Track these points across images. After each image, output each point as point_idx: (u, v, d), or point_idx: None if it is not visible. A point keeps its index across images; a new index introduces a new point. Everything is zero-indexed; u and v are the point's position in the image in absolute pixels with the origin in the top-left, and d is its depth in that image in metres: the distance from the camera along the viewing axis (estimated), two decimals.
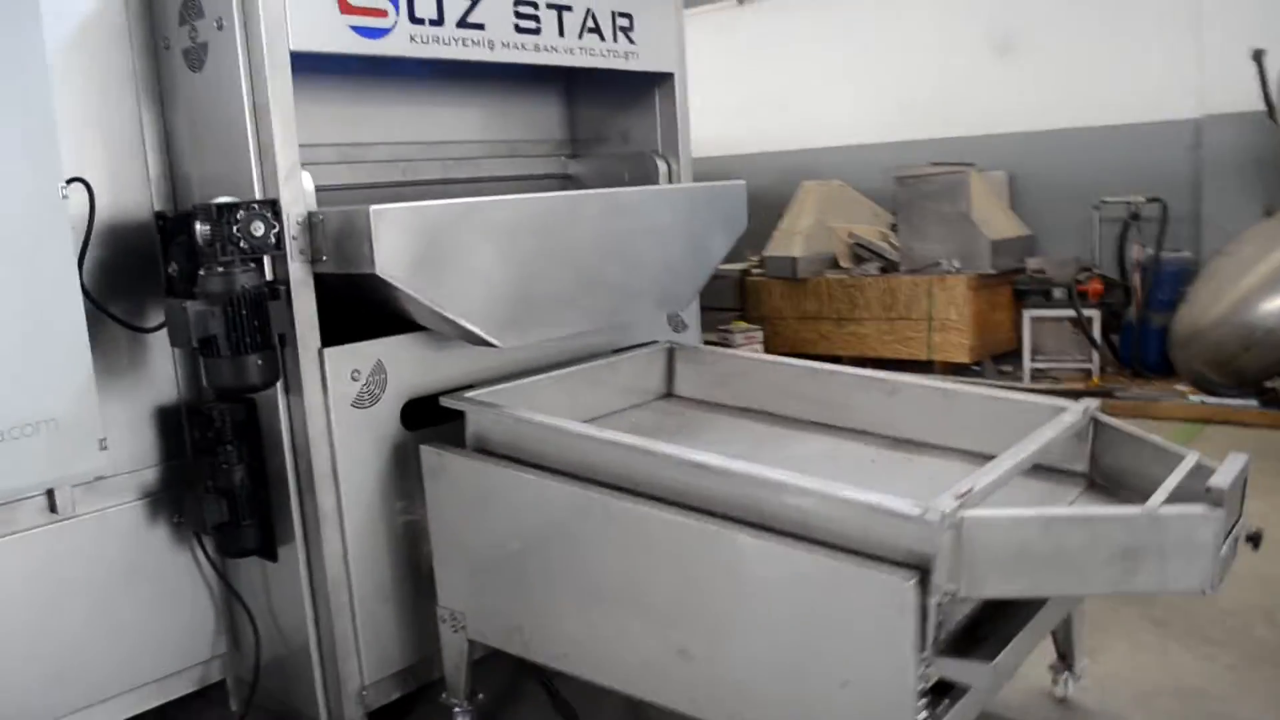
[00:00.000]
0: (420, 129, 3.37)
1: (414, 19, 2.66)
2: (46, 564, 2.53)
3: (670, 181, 3.54)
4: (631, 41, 3.30)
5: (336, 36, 2.51)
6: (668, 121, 3.55)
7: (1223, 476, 1.92)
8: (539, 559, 2.40)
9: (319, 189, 2.60)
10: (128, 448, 2.62)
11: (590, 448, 2.33)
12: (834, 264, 7.11)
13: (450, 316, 2.50)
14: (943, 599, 1.83)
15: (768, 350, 7.21)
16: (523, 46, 2.94)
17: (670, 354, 3.29)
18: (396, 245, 2.37)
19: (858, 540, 1.92)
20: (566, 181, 3.82)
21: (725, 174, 3.60)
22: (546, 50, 3.02)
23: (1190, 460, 2.15)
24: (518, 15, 2.92)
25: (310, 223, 2.45)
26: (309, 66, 2.50)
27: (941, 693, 1.95)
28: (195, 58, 2.52)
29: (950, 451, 2.63)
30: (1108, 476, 2.44)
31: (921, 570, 1.82)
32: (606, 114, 3.75)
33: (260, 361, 2.33)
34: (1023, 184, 7.34)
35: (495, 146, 3.58)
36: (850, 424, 2.84)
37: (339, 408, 2.55)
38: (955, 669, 1.88)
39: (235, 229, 2.25)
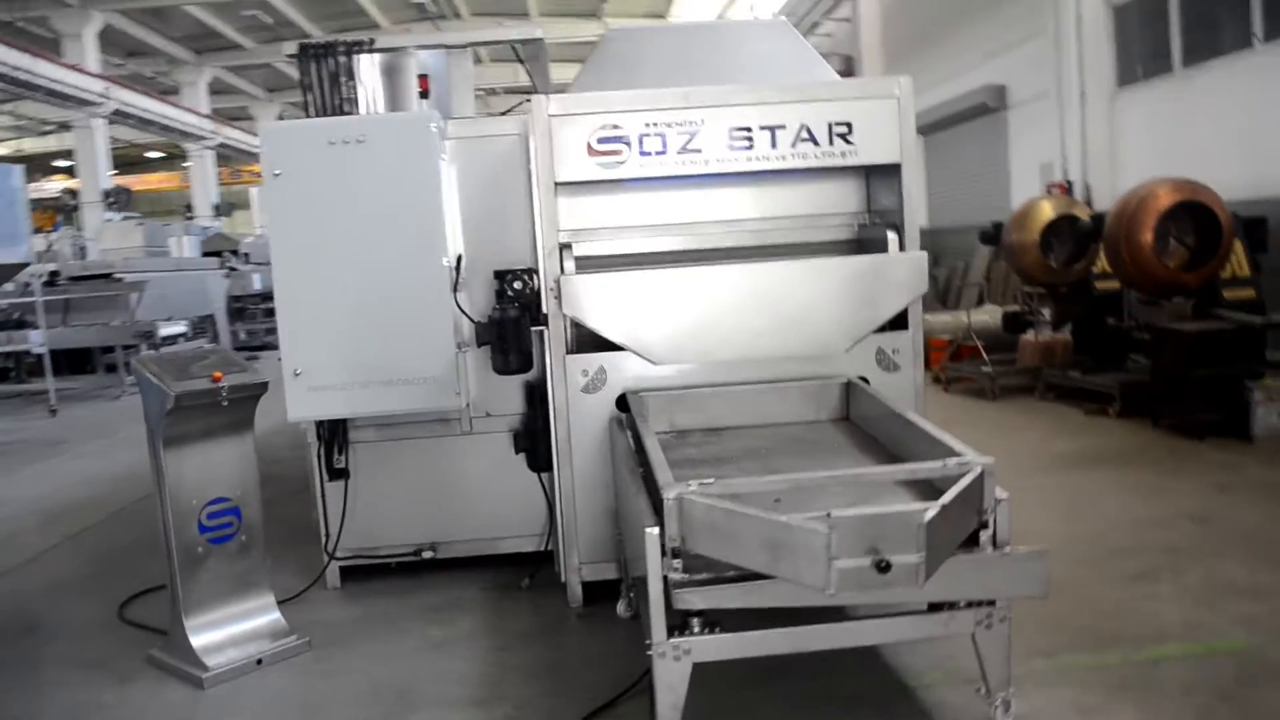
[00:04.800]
0: (715, 210, 4.76)
1: (643, 153, 4.22)
2: (461, 456, 4.85)
3: (899, 249, 4.34)
4: (849, 143, 4.27)
5: (586, 170, 4.22)
6: (897, 200, 4.36)
7: (854, 510, 2.55)
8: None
9: (631, 256, 4.34)
10: (501, 401, 4.76)
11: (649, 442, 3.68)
12: None
13: (617, 341, 4.05)
14: (673, 545, 2.85)
15: None
16: (734, 160, 4.24)
17: (846, 388, 4.21)
18: (578, 298, 4.02)
19: None
20: (855, 245, 4.79)
21: None
22: (759, 160, 4.25)
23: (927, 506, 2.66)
24: (732, 138, 4.23)
25: (558, 282, 4.22)
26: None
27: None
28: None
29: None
30: None
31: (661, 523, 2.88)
32: (883, 191, 4.64)
33: (515, 358, 4.22)
34: None
35: (782, 221, 4.78)
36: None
37: (574, 392, 4.28)
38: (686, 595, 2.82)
39: (504, 284, 4.18)
